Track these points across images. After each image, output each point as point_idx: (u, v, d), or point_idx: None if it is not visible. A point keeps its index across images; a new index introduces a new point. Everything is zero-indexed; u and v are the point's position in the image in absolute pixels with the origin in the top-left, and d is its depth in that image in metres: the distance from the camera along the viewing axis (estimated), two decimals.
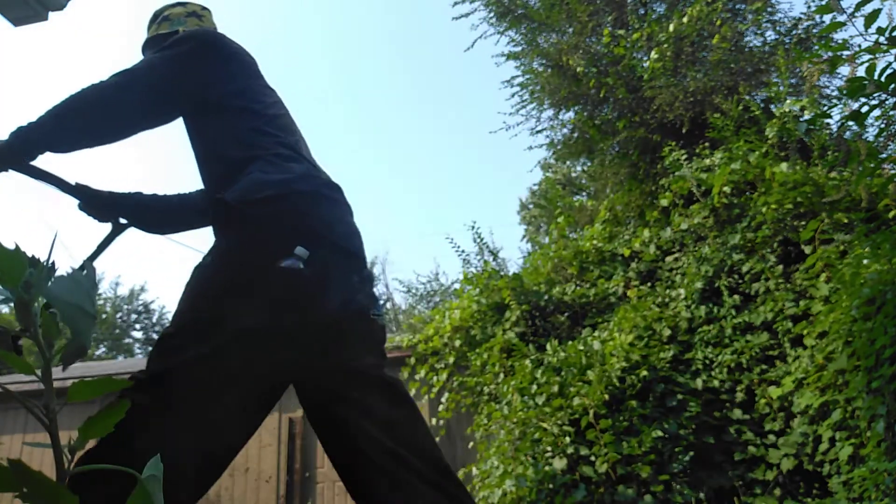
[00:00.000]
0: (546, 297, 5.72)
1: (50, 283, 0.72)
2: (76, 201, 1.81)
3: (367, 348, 1.50)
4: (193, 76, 1.61)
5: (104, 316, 26.15)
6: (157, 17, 1.93)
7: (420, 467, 1.39)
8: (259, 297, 1.32)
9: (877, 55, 2.45)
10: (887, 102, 2.63)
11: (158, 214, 1.94)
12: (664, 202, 5.59)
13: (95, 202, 1.83)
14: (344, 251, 1.45)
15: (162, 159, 44.82)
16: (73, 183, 1.78)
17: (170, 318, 1.41)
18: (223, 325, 1.30)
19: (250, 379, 1.32)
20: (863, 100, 2.59)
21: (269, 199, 1.40)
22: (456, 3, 7.49)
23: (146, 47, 1.95)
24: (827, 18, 4.10)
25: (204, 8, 2.02)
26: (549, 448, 4.06)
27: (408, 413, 1.48)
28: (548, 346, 4.92)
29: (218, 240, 1.48)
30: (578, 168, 10.21)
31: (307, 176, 1.51)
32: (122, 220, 1.86)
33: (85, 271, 0.77)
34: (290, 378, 1.47)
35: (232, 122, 1.58)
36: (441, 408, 5.91)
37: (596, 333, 4.96)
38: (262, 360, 1.32)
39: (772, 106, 5.78)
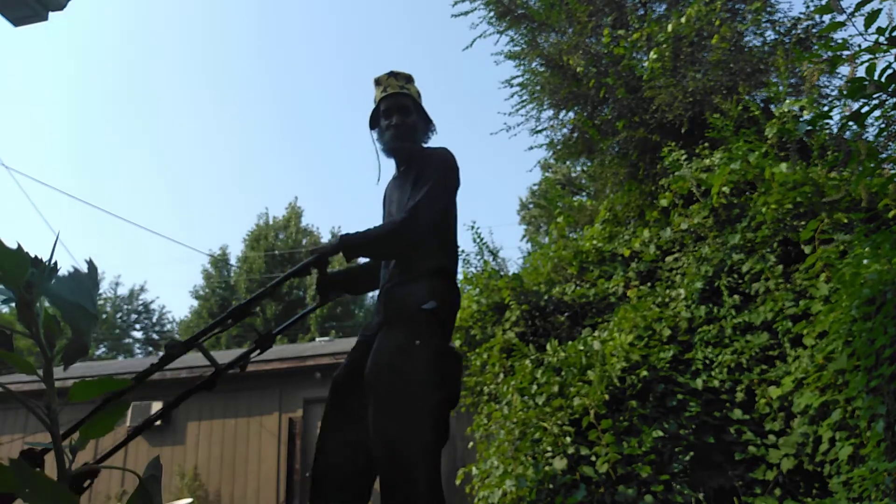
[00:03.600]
0: (546, 297, 5.72)
1: (51, 283, 0.72)
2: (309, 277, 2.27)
3: None
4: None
5: (104, 316, 26.14)
6: (410, 79, 2.34)
7: None
8: None
9: (877, 55, 2.44)
10: (887, 103, 2.63)
11: (361, 283, 2.38)
12: (664, 202, 5.59)
13: (324, 287, 2.21)
14: None
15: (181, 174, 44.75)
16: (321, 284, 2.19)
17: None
18: None
19: None
20: (863, 100, 2.59)
21: None
22: (456, 2, 7.49)
23: (400, 97, 2.30)
24: (826, 18, 4.10)
25: None
26: (549, 448, 4.06)
27: None
28: (548, 346, 4.92)
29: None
30: (578, 168, 10.21)
31: None
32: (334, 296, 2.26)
33: (87, 270, 0.77)
34: None
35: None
36: None
37: (596, 333, 4.95)
38: None
39: (771, 106, 5.78)
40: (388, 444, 1.85)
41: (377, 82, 2.36)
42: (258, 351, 2.06)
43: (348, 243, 1.98)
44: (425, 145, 2.33)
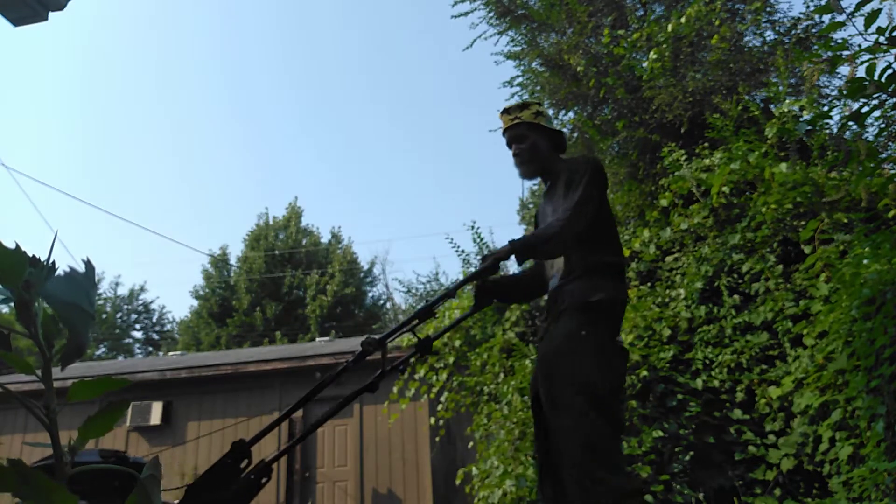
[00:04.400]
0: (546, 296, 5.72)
1: (47, 283, 0.72)
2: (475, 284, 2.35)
3: None
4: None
5: (104, 316, 26.15)
6: (522, 107, 2.43)
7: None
8: None
9: (877, 55, 2.44)
10: (887, 103, 2.62)
11: (514, 293, 2.59)
12: (664, 202, 5.59)
13: (481, 293, 2.35)
14: None
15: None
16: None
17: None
18: None
19: None
20: (863, 100, 2.59)
21: None
22: (456, 2, 7.49)
23: (511, 130, 2.43)
24: (826, 18, 4.10)
25: None
26: None
27: None
28: None
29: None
30: None
31: None
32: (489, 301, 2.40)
33: (85, 270, 0.77)
34: None
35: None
36: (441, 407, 5.90)
37: None
38: None
39: (771, 106, 5.77)
40: (562, 430, 1.94)
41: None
42: (418, 355, 2.15)
43: (518, 247, 2.08)
44: (565, 156, 2.48)
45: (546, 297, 2.35)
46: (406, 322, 2.08)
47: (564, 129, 2.54)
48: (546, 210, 2.40)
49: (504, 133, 2.48)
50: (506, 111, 2.46)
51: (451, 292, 2.18)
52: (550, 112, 7.27)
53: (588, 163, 2.27)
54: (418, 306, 20.76)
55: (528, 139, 2.39)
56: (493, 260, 2.11)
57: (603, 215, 2.26)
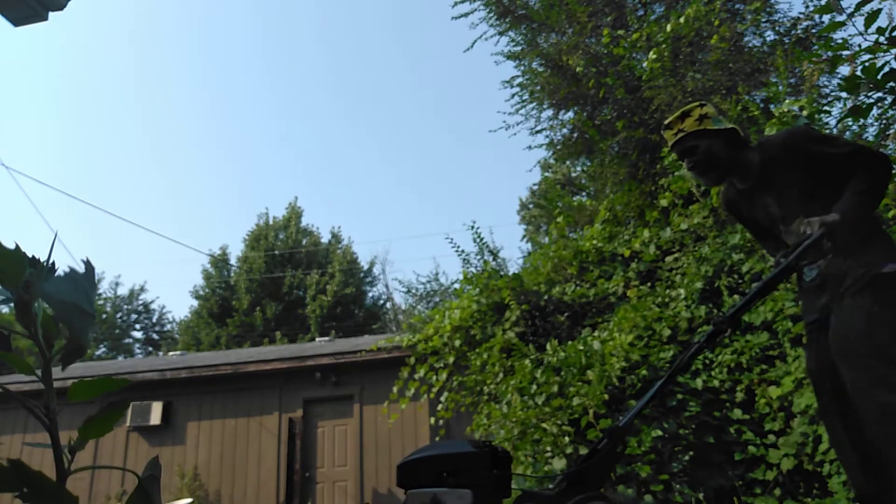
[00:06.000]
0: (546, 296, 5.72)
1: (47, 283, 0.72)
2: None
3: None
4: None
5: (104, 316, 26.15)
6: (683, 116, 2.26)
7: None
8: None
9: (877, 55, 2.44)
10: (886, 101, 2.63)
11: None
12: (664, 202, 5.59)
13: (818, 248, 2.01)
14: None
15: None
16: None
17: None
18: None
19: None
20: (862, 97, 2.59)
21: None
22: (456, 3, 7.50)
23: (678, 144, 2.28)
24: (826, 18, 4.10)
25: None
26: (548, 448, 4.06)
27: None
28: (548, 346, 4.92)
29: None
30: (578, 168, 10.21)
31: None
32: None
33: (85, 269, 0.77)
34: None
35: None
36: (441, 407, 5.90)
37: (596, 333, 4.96)
38: None
39: (771, 106, 5.77)
40: (880, 409, 1.80)
41: None
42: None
43: (846, 214, 1.88)
44: (750, 144, 2.29)
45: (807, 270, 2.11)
46: (750, 299, 1.93)
47: (733, 126, 2.28)
48: (766, 201, 2.20)
49: (672, 149, 2.33)
50: (667, 126, 2.32)
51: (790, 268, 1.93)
52: (550, 112, 7.27)
53: (796, 133, 2.13)
54: (418, 307, 20.66)
55: (699, 149, 2.23)
56: (825, 228, 1.85)
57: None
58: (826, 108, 4.48)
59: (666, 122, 2.34)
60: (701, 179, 2.32)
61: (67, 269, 0.76)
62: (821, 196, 2.03)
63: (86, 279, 0.77)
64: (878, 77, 2.43)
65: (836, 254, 1.94)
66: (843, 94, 2.72)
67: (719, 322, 1.87)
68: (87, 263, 0.77)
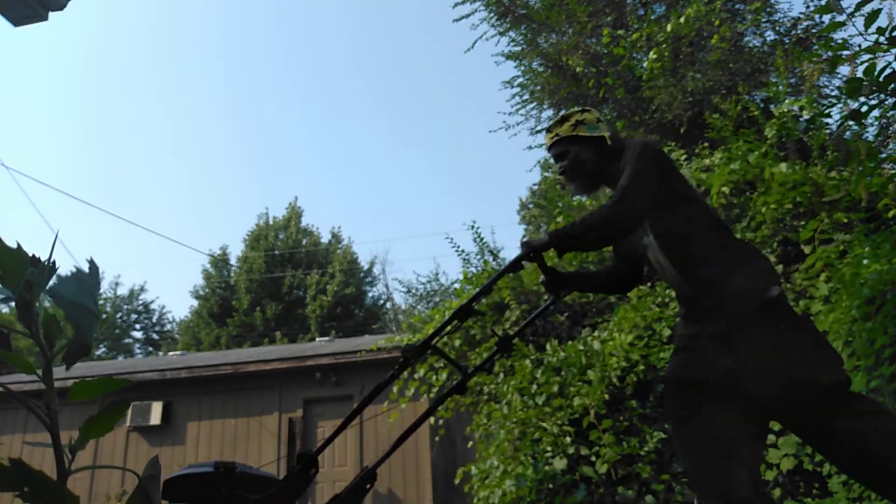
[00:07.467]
0: (546, 296, 5.72)
1: (54, 282, 0.72)
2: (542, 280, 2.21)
3: None
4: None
5: (104, 316, 26.16)
6: (561, 121, 2.25)
7: None
8: None
9: (877, 55, 2.45)
10: (886, 102, 2.63)
11: (598, 283, 2.40)
12: None
13: (551, 284, 2.19)
14: None
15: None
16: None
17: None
18: None
19: None
20: (862, 99, 2.59)
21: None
22: (457, 4, 7.50)
23: (552, 148, 2.26)
24: (826, 18, 4.10)
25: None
26: (549, 448, 4.06)
27: None
28: (548, 346, 4.92)
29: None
30: None
31: None
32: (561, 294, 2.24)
33: (89, 269, 0.77)
34: None
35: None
36: (440, 407, 5.90)
37: (596, 333, 4.95)
38: None
39: (771, 106, 5.78)
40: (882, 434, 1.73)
41: None
42: (500, 354, 2.13)
43: (559, 235, 1.93)
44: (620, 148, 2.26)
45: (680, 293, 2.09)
46: (447, 322, 2.04)
47: (607, 133, 2.20)
48: None
49: (549, 152, 2.31)
50: (547, 131, 2.29)
51: (486, 289, 2.10)
52: (550, 112, 7.27)
53: (634, 145, 2.07)
54: (418, 307, 20.72)
55: (569, 155, 2.20)
56: (527, 248, 1.96)
57: (694, 197, 2.05)
58: (827, 110, 4.48)
59: (549, 125, 2.31)
60: (570, 186, 2.28)
61: (74, 270, 0.76)
62: (661, 205, 2.02)
63: (90, 279, 0.77)
64: (880, 80, 2.43)
65: (711, 280, 1.94)
66: (844, 96, 2.71)
67: (406, 350, 2.01)
68: (92, 263, 0.77)
